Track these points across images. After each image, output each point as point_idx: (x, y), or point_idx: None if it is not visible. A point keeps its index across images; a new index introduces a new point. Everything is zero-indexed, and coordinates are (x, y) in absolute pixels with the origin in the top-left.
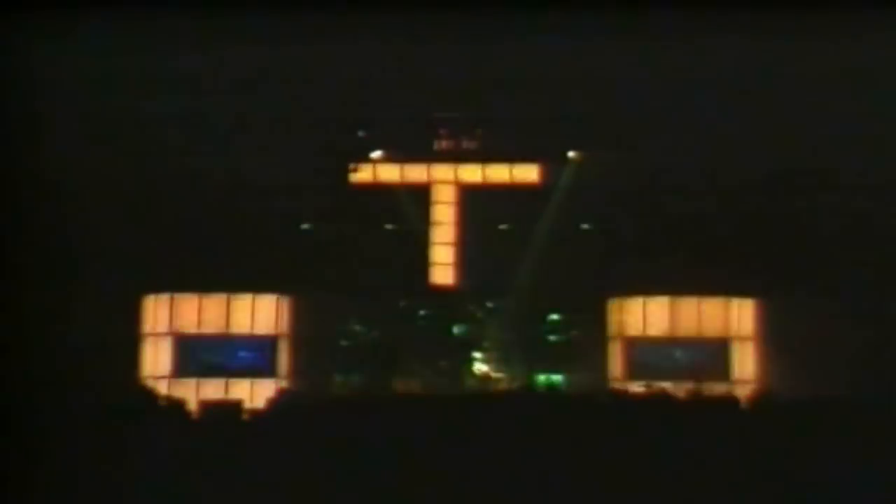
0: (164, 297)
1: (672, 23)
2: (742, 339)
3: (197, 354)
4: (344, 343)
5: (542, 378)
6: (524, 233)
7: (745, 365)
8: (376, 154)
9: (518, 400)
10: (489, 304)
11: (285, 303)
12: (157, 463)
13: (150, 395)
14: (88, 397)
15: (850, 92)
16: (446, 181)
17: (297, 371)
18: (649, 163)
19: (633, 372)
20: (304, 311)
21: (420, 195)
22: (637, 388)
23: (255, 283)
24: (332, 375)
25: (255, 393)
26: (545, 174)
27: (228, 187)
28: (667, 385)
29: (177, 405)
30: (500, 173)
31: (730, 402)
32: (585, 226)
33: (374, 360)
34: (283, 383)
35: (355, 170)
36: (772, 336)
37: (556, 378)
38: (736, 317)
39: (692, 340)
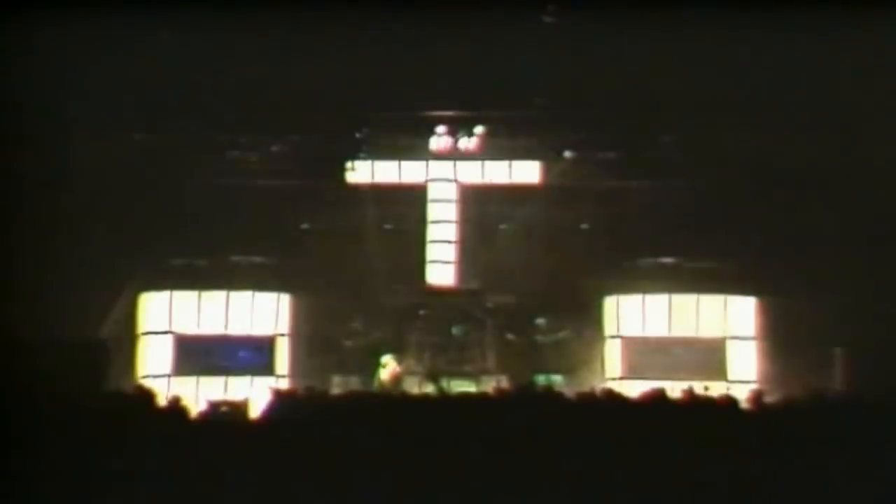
0: (162, 296)
1: (677, 21)
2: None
3: (196, 354)
4: (343, 342)
5: (541, 378)
6: (524, 231)
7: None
8: (375, 152)
9: (517, 400)
10: (489, 304)
11: (284, 302)
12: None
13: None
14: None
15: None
16: (446, 179)
17: (295, 371)
18: (651, 160)
19: (631, 371)
20: (303, 311)
21: (419, 193)
22: (635, 387)
23: (254, 283)
24: (331, 375)
25: (254, 392)
26: (545, 173)
27: (226, 187)
28: (665, 385)
29: (176, 404)
30: (499, 171)
31: (728, 402)
32: (585, 225)
33: (373, 360)
34: (282, 383)
35: (353, 168)
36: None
37: (555, 378)
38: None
39: (690, 340)
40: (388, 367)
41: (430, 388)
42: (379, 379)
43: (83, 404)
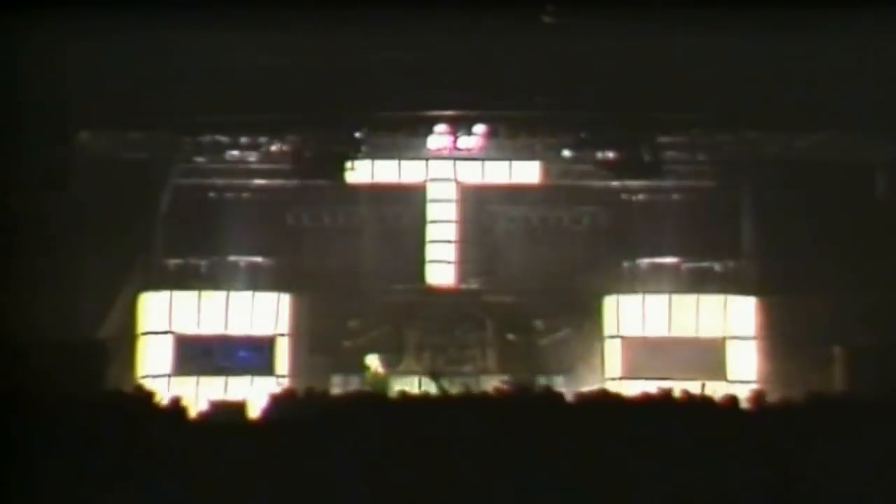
0: (162, 296)
1: (676, 20)
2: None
3: (196, 354)
4: (342, 342)
5: (541, 378)
6: (524, 231)
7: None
8: (375, 151)
9: (517, 400)
10: (489, 304)
11: (284, 302)
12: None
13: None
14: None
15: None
16: (445, 179)
17: (295, 371)
18: (651, 160)
19: (630, 371)
20: (302, 311)
21: (418, 193)
22: (635, 387)
23: (253, 283)
24: (331, 375)
25: (254, 392)
26: (545, 173)
27: (226, 186)
28: (665, 385)
29: (176, 404)
30: (499, 171)
31: (728, 402)
32: (585, 225)
33: (372, 361)
34: (282, 383)
35: (353, 168)
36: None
37: (555, 378)
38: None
39: (690, 340)
40: (372, 367)
41: (429, 388)
42: (364, 380)
43: (83, 404)
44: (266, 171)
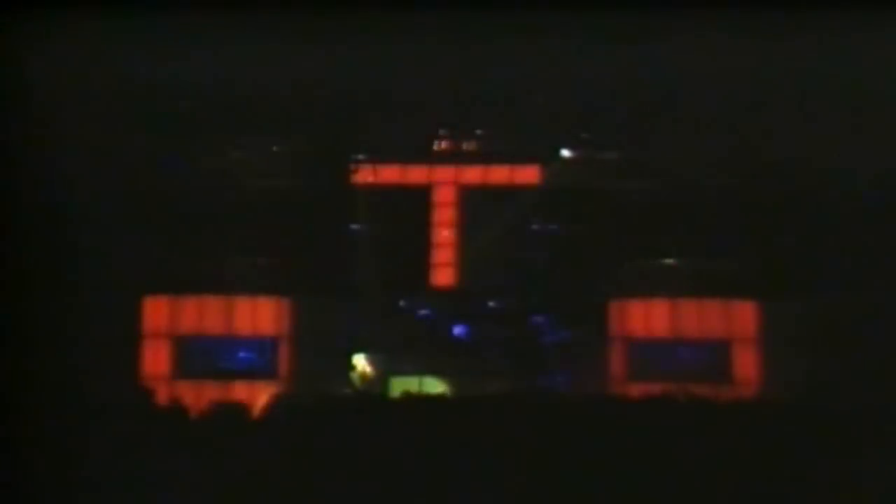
0: (164, 298)
1: (670, 23)
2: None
3: (197, 355)
4: (343, 343)
5: (541, 379)
6: (524, 232)
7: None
8: (377, 153)
9: (517, 401)
10: (489, 304)
11: (286, 304)
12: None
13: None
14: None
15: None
16: (446, 182)
17: (297, 372)
18: (649, 162)
19: (633, 373)
20: (303, 312)
21: (420, 195)
22: (637, 389)
23: (255, 284)
24: (331, 376)
25: (255, 394)
26: (544, 174)
27: (228, 188)
28: (667, 386)
29: (177, 406)
30: (499, 174)
31: (730, 402)
32: (585, 226)
33: (374, 361)
34: (283, 384)
35: (355, 169)
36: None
37: (556, 379)
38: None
39: (692, 341)
40: (359, 367)
41: (429, 389)
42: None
43: (85, 404)
44: (266, 171)
